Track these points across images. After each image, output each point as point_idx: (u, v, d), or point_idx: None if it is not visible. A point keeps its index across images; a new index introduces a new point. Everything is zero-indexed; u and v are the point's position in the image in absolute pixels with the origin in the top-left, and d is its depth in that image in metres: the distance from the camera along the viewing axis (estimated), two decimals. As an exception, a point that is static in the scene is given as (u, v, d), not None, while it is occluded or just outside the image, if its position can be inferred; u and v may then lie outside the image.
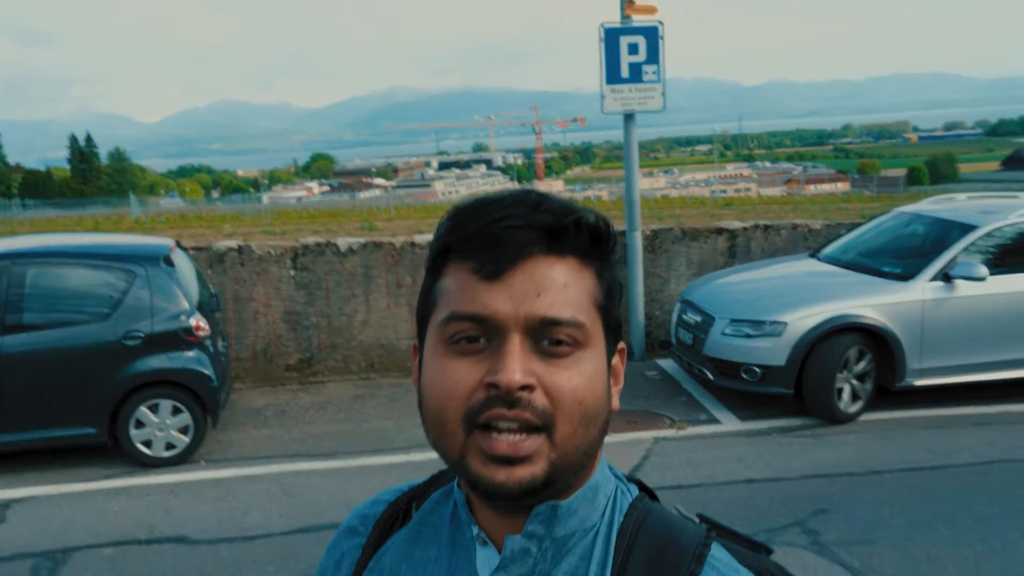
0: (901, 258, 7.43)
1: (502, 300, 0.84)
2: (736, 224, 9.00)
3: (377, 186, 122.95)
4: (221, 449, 6.65)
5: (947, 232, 7.34)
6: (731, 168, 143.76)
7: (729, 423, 6.93)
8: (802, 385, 6.73)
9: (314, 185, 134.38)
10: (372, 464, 6.27)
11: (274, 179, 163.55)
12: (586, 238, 0.88)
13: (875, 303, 6.79)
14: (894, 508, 5.24)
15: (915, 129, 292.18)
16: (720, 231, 8.87)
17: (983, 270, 6.80)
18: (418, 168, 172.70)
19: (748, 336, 6.83)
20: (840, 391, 6.74)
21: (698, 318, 7.31)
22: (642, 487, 1.01)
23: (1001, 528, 4.94)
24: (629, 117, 8.20)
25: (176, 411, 6.33)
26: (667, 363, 8.52)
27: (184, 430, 6.36)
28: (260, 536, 5.11)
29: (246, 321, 8.04)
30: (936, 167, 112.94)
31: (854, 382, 6.79)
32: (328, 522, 5.25)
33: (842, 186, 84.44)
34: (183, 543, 5.05)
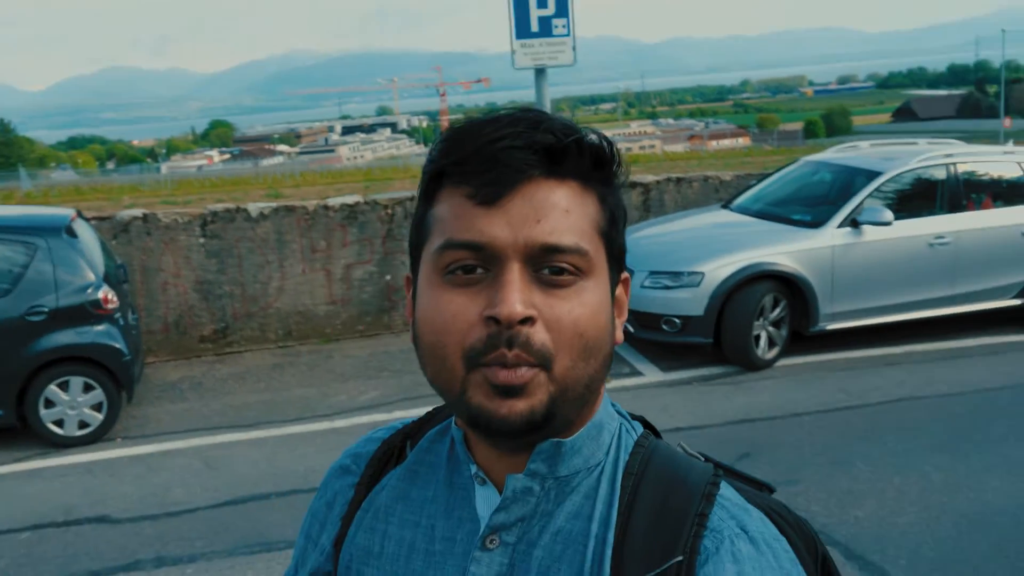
0: (810, 206, 7.61)
1: (500, 226, 0.79)
2: (649, 178, 9.07)
3: (280, 153, 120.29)
4: (138, 425, 6.44)
5: (853, 179, 7.54)
6: (635, 126, 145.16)
7: (652, 375, 7.02)
8: (721, 334, 6.86)
9: (214, 153, 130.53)
10: (297, 432, 6.15)
11: (172, 148, 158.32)
12: (588, 160, 0.83)
13: (788, 250, 6.94)
14: (815, 448, 5.40)
15: (810, 83, 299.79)
16: (633, 185, 8.93)
17: (889, 215, 7.01)
18: (322, 133, 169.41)
19: (667, 287, 6.91)
20: (757, 338, 6.90)
21: (617, 272, 7.36)
22: (646, 424, 0.98)
23: (916, 462, 5.15)
24: (540, 72, 8.12)
25: (88, 388, 6.10)
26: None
27: (97, 407, 6.13)
28: (185, 511, 4.98)
29: (155, 292, 7.77)
30: (831, 120, 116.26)
31: (770, 329, 6.96)
32: (256, 493, 5.15)
33: (743, 141, 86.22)
34: (104, 523, 4.88)
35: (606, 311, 0.84)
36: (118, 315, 6.21)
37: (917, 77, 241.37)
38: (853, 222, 7.08)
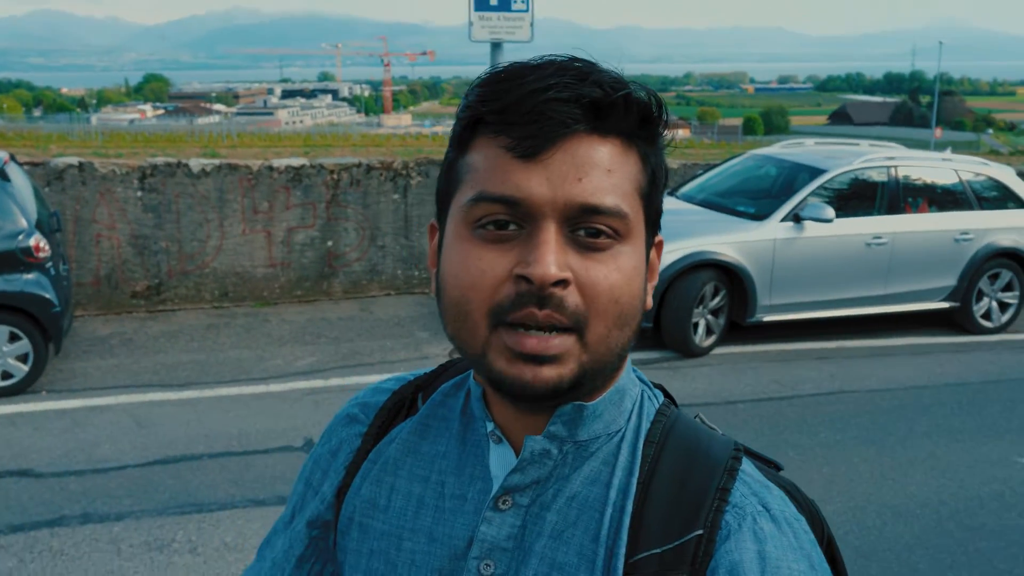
0: (755, 199, 7.72)
1: (538, 182, 0.76)
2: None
3: (217, 112, 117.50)
4: (64, 379, 6.25)
5: (797, 175, 7.67)
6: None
7: (589, 355, 7.06)
8: (661, 319, 6.93)
9: (148, 108, 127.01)
10: (230, 395, 6.04)
11: (103, 99, 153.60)
12: (635, 117, 0.79)
13: (731, 241, 7.04)
14: (747, 435, 5.50)
15: (752, 80, 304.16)
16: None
17: (830, 212, 7.15)
18: (260, 95, 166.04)
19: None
20: (696, 325, 6.99)
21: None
22: (666, 394, 0.96)
23: (845, 454, 5.28)
24: (496, 47, 8.07)
25: (14, 338, 5.89)
26: (527, 296, 8.60)
27: (23, 358, 5.93)
28: (112, 468, 4.85)
29: (88, 244, 7.53)
30: (770, 118, 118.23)
31: (709, 317, 7.06)
32: (187, 454, 5.04)
33: (683, 132, 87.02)
34: (27, 476, 4.73)
35: (641, 277, 0.82)
36: (49, 264, 6.01)
37: (854, 82, 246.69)
38: (795, 217, 7.20)
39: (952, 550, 4.22)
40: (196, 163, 7.68)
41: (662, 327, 6.94)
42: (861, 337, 7.69)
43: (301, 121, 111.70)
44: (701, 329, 7.02)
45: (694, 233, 7.04)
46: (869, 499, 4.70)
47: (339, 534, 0.94)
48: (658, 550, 0.80)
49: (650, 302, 0.86)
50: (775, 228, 7.17)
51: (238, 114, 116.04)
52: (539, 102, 0.75)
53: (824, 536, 0.94)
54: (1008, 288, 8.04)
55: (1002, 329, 8.05)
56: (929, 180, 7.95)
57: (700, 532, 0.80)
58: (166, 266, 7.75)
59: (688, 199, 8.07)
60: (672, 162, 9.55)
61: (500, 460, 0.88)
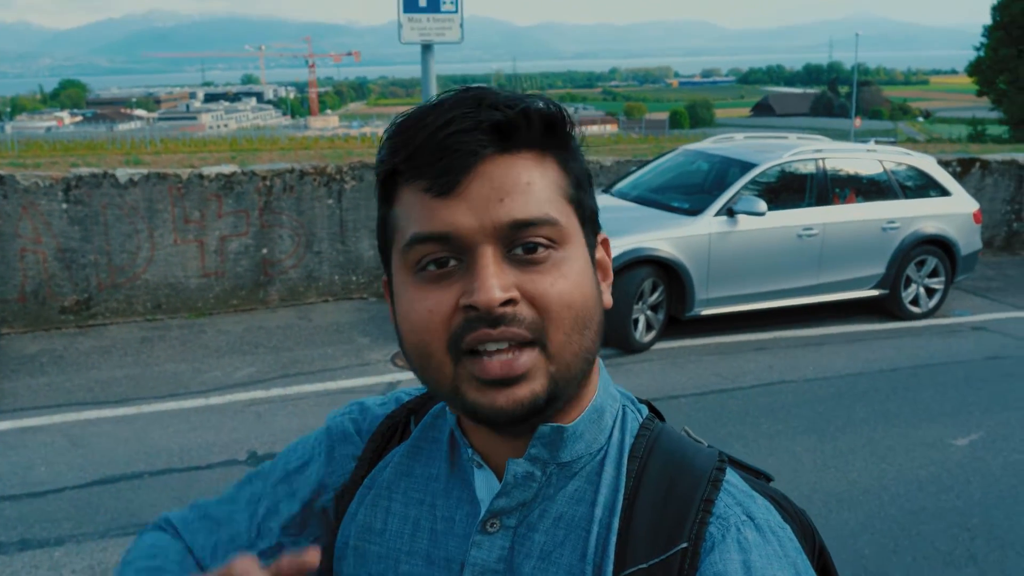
0: (688, 194, 7.82)
1: (462, 213, 0.77)
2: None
3: (138, 118, 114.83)
4: (-8, 400, 6.04)
5: (729, 169, 7.79)
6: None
7: (532, 355, 7.07)
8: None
9: (65, 115, 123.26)
10: (169, 409, 5.90)
11: (17, 107, 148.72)
12: (539, 127, 0.81)
13: (668, 237, 7.11)
14: (692, 429, 5.54)
15: (676, 74, 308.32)
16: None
17: (763, 205, 7.28)
18: (183, 100, 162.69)
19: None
20: (636, 321, 7.05)
21: (501, 252, 7.37)
22: (651, 408, 0.97)
23: (787, 443, 5.38)
24: (427, 48, 8.03)
25: (-63, 360, 5.67)
26: (467, 298, 8.58)
27: (-53, 381, 5.71)
28: (51, 491, 4.70)
29: (11, 260, 7.28)
30: (695, 112, 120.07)
31: (648, 313, 7.13)
32: (127, 473, 4.91)
33: (610, 127, 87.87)
34: (-41, 504, 4.55)
35: (589, 278, 0.82)
36: (-27, 282, 5.79)
37: (775, 74, 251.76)
38: (729, 211, 7.31)
39: (895, 534, 4.33)
40: (123, 173, 7.48)
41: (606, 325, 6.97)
42: (796, 327, 7.85)
43: (226, 125, 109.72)
44: (641, 325, 7.08)
45: (631, 230, 7.10)
46: (814, 488, 4.80)
47: (335, 560, 0.94)
48: (644, 565, 0.80)
49: (609, 300, 0.87)
50: (709, 223, 7.27)
51: (160, 119, 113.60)
52: (443, 138, 0.77)
53: (816, 546, 0.95)
54: (934, 274, 8.28)
55: (930, 314, 8.29)
56: (855, 171, 8.15)
57: (685, 545, 0.80)
58: (95, 280, 7.53)
59: (623, 196, 8.14)
60: (605, 159, 9.62)
61: (485, 484, 0.89)
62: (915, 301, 8.26)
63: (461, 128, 0.77)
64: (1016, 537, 4.33)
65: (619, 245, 6.90)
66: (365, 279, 8.52)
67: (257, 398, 6.10)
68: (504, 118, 0.78)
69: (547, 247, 0.79)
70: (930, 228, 8.14)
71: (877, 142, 9.60)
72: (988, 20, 38.38)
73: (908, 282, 8.19)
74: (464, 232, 0.77)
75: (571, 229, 0.81)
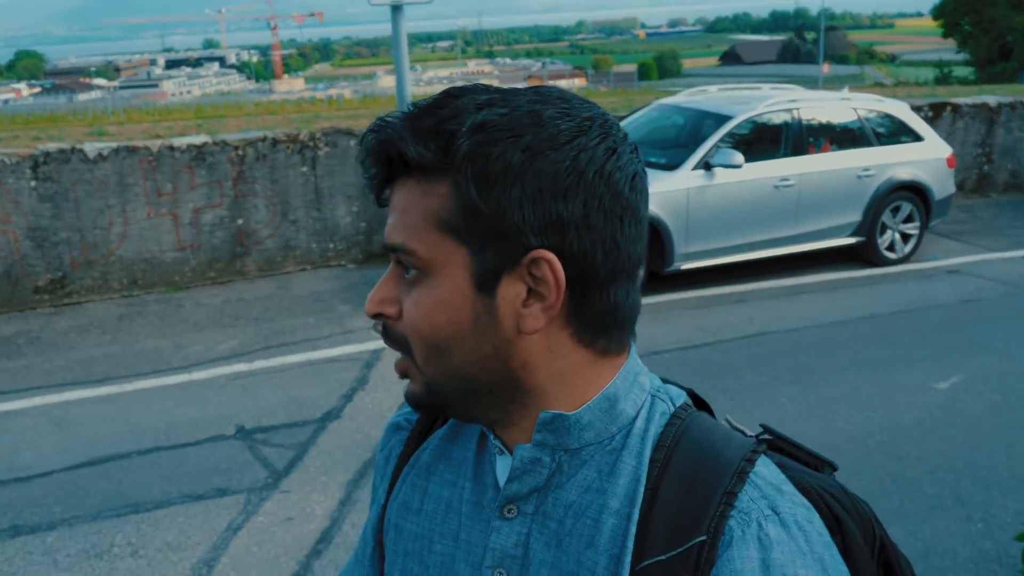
0: (665, 148, 7.80)
1: (388, 224, 0.86)
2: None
3: (98, 87, 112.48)
4: (-29, 385, 5.97)
5: (704, 122, 7.77)
6: (473, 65, 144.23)
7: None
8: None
9: (22, 87, 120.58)
10: (151, 387, 5.86)
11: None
12: (429, 153, 0.79)
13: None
14: (676, 383, 5.60)
15: (643, 25, 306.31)
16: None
17: (739, 158, 7.27)
18: (143, 67, 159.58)
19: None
20: (616, 278, 7.04)
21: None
22: (694, 397, 0.95)
23: (771, 394, 5.44)
24: (397, 9, 7.91)
25: (-88, 347, 5.58)
26: (446, 261, 8.54)
27: (-76, 367, 5.63)
28: (37, 475, 4.67)
29: (-19, 241, 7.15)
30: (663, 63, 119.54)
31: (629, 269, 7.12)
32: (114, 453, 4.88)
33: (579, 82, 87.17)
34: (-54, 492, 4.51)
35: (451, 308, 0.81)
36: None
37: (742, 22, 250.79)
38: (706, 165, 7.31)
39: (882, 480, 4.40)
40: (92, 147, 7.34)
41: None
42: (774, 278, 7.90)
43: (189, 92, 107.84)
44: (622, 282, 7.08)
45: (609, 187, 7.06)
46: (800, 438, 4.77)
47: (384, 535, 1.00)
48: (663, 557, 0.79)
49: (529, 324, 0.81)
50: (687, 177, 7.27)
51: (121, 88, 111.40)
52: (361, 162, 0.86)
53: (876, 539, 0.91)
54: (909, 220, 8.34)
55: (905, 259, 8.37)
56: (830, 120, 8.15)
57: (703, 538, 0.78)
58: (68, 257, 7.42)
59: (600, 153, 8.10)
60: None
61: (505, 470, 0.90)
62: (891, 247, 8.32)
63: (367, 158, 0.84)
64: (999, 478, 4.41)
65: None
66: (343, 246, 8.46)
67: (241, 371, 6.06)
68: (382, 153, 0.83)
69: (417, 271, 0.83)
70: (904, 174, 8.18)
71: (850, 88, 9.59)
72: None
73: (884, 228, 8.24)
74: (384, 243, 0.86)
75: (438, 258, 0.81)
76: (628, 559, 0.81)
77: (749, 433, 0.91)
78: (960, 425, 4.99)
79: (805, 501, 0.83)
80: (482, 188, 0.78)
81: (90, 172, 7.32)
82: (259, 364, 6.18)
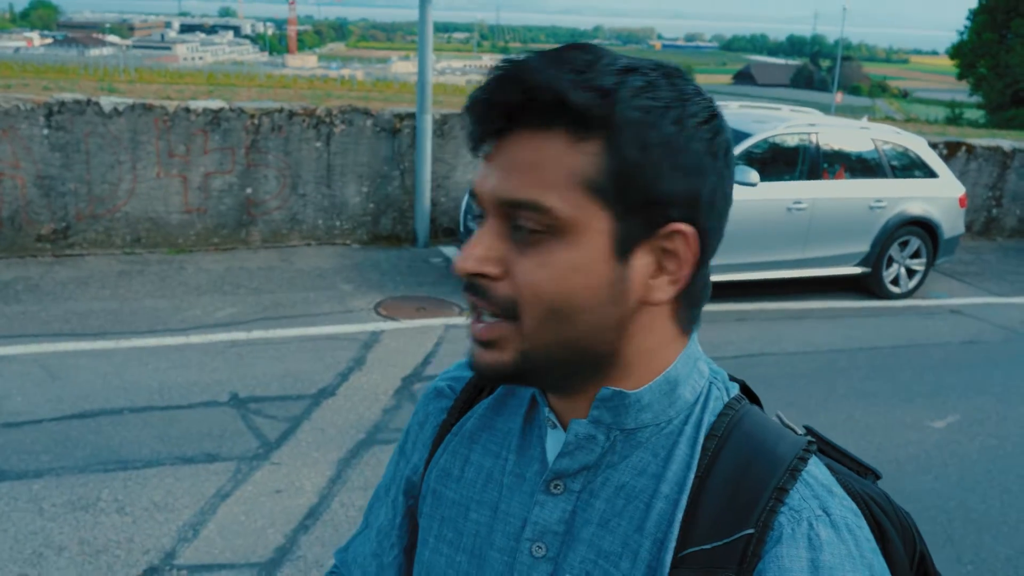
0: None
1: (485, 178, 0.81)
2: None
3: (110, 44, 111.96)
4: (-34, 326, 5.91)
5: (723, 138, 7.74)
6: (487, 59, 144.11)
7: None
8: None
9: (35, 36, 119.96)
10: (148, 346, 5.82)
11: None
12: (576, 108, 0.76)
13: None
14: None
15: (659, 36, 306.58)
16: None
17: (755, 176, 7.25)
18: (157, 28, 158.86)
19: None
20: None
21: (490, 207, 7.29)
22: (745, 390, 0.94)
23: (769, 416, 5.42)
24: (427, -7, 7.88)
25: (-89, 282, 5.52)
26: (451, 250, 8.51)
27: (-79, 304, 5.57)
28: (27, 422, 4.62)
29: (-12, 183, 7.09)
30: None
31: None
32: (106, 408, 4.84)
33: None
34: (-66, 431, 4.47)
35: (586, 273, 0.78)
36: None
37: (758, 43, 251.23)
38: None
39: (874, 510, 4.38)
40: (108, 101, 7.28)
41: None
42: (778, 299, 7.89)
43: (201, 58, 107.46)
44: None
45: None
46: (794, 460, 4.84)
47: (420, 500, 1.00)
48: (707, 546, 0.79)
49: (658, 296, 0.82)
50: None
51: (134, 47, 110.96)
52: (474, 106, 0.80)
53: (916, 551, 0.92)
54: (916, 255, 8.34)
55: (908, 295, 8.37)
56: (847, 147, 8.14)
57: (751, 531, 0.78)
58: (74, 209, 7.37)
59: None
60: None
61: (555, 444, 0.89)
62: (895, 281, 8.32)
63: (492, 99, 0.78)
64: (991, 521, 4.40)
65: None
66: (349, 225, 8.42)
67: (238, 339, 6.02)
68: (526, 100, 0.76)
69: (540, 232, 0.78)
70: (916, 209, 8.18)
71: (869, 119, 9.59)
72: (973, 3, 38.44)
73: (890, 262, 8.24)
74: (480, 197, 0.81)
75: (579, 220, 0.77)
76: (672, 545, 0.80)
77: (799, 432, 0.90)
78: (954, 465, 4.98)
79: (854, 505, 0.83)
80: (641, 154, 0.77)
81: (104, 126, 7.27)
82: (257, 334, 6.14)
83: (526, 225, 0.78)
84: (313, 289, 7.18)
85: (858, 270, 8.12)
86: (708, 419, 0.85)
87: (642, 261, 0.80)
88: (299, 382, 5.41)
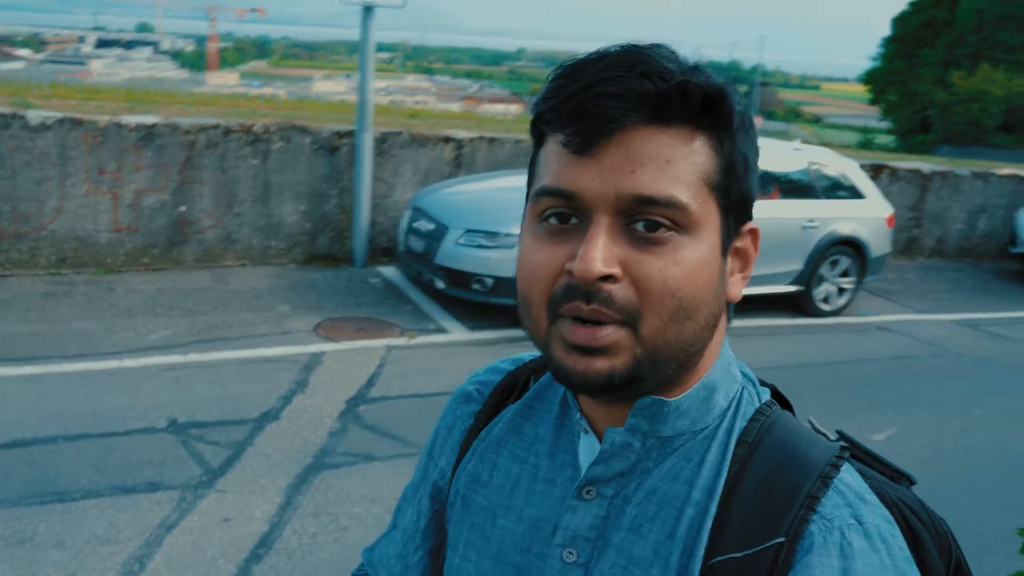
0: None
1: (591, 176, 0.76)
2: (463, 134, 8.98)
3: (21, 58, 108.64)
4: None
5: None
6: (411, 79, 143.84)
7: (458, 332, 7.00)
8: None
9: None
10: (78, 370, 5.59)
11: None
12: (694, 105, 0.77)
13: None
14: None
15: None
16: (447, 139, 8.80)
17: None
18: (71, 43, 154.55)
19: (482, 247, 6.90)
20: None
21: (431, 226, 7.24)
22: (776, 395, 0.94)
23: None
24: (368, 10, 7.80)
25: None
26: (389, 271, 8.41)
27: None
28: (-47, 453, 4.39)
29: (-97, 200, 6.75)
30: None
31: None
32: (39, 436, 4.63)
33: (516, 107, 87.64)
34: None
35: (708, 269, 0.79)
36: None
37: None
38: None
39: (825, 526, 4.44)
40: (35, 115, 7.02)
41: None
42: (716, 318, 7.98)
43: (117, 73, 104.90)
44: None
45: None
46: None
47: (448, 505, 0.99)
48: (737, 555, 0.78)
49: (736, 293, 0.85)
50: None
51: (46, 62, 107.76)
52: (587, 98, 0.75)
53: (952, 559, 0.91)
54: (845, 274, 8.56)
55: (837, 312, 8.58)
56: (781, 168, 8.32)
57: (781, 540, 0.77)
58: (-3, 227, 7.06)
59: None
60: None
61: (588, 450, 0.88)
62: (825, 299, 8.52)
63: (606, 91, 0.75)
64: (935, 533, 4.50)
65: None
66: (286, 245, 8.26)
67: (174, 363, 5.83)
68: (654, 89, 0.75)
69: (670, 229, 0.76)
70: (845, 229, 8.39)
71: (803, 142, 9.83)
72: (884, 32, 39.93)
73: (821, 280, 8.43)
74: (587, 195, 0.76)
75: (703, 216, 0.78)
76: (701, 552, 0.79)
77: (832, 438, 0.89)
78: (896, 478, 5.08)
79: (887, 513, 0.81)
80: (743, 153, 0.80)
81: (31, 140, 7.00)
82: (193, 357, 5.95)
83: (659, 222, 0.76)
84: (250, 310, 7.01)
85: (792, 288, 8.28)
86: (740, 424, 0.85)
87: (732, 257, 0.84)
88: (240, 406, 5.26)
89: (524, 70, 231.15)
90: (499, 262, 6.83)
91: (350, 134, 8.19)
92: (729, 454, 0.83)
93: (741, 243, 0.85)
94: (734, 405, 0.86)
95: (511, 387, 1.00)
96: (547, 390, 0.96)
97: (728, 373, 0.87)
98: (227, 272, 7.92)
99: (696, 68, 0.78)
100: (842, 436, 0.92)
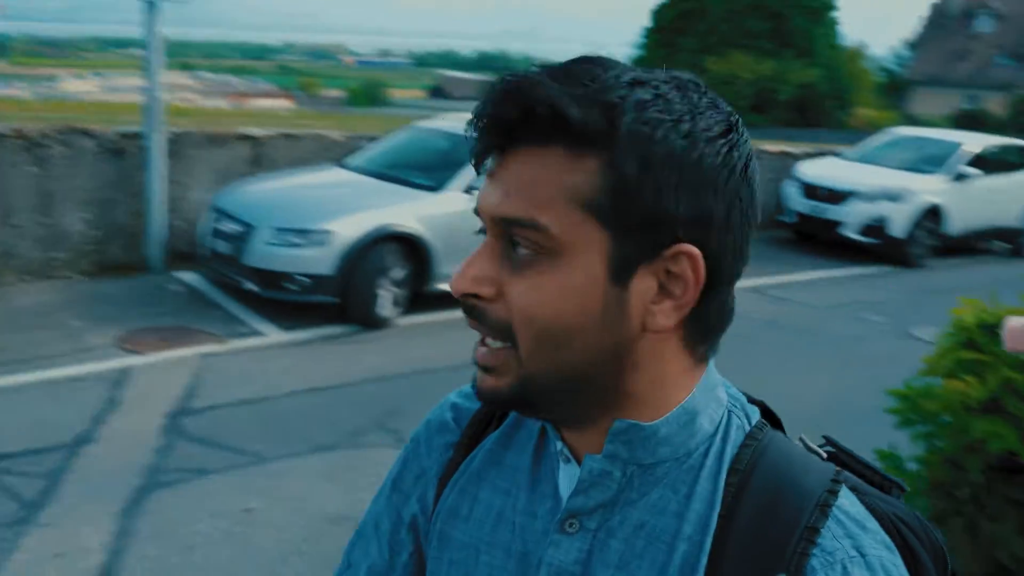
0: (428, 170, 7.84)
1: (487, 195, 0.78)
2: (260, 132, 8.66)
3: None
4: None
5: (466, 147, 7.92)
6: (171, 76, 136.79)
7: (273, 334, 6.78)
8: (346, 293, 6.81)
9: None
10: None
11: None
12: (574, 124, 0.72)
13: (412, 212, 7.11)
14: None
15: (352, 52, 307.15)
16: (244, 137, 8.46)
17: (501, 184, 7.47)
18: None
19: (295, 245, 6.71)
20: (379, 297, 6.97)
21: (237, 227, 6.95)
22: (766, 413, 0.89)
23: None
24: (152, 5, 7.37)
25: None
26: (191, 276, 7.99)
27: None
28: None
29: None
30: (371, 91, 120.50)
31: (394, 288, 7.08)
32: None
33: (286, 103, 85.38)
34: None
35: (581, 295, 0.75)
36: None
37: (450, 59, 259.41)
38: (470, 189, 7.45)
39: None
40: None
41: (348, 301, 6.83)
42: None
43: None
44: (387, 301, 7.01)
45: (375, 205, 7.08)
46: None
47: (426, 542, 0.95)
48: None
49: (659, 322, 0.77)
50: (452, 199, 7.36)
51: None
52: (475, 121, 0.77)
53: (947, 571, 0.89)
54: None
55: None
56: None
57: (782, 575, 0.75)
58: None
59: (363, 171, 7.99)
60: (335, 134, 9.38)
61: (569, 479, 0.85)
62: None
63: (489, 114, 0.75)
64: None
65: (365, 220, 6.83)
66: (71, 256, 7.66)
67: (-37, 392, 5.30)
68: (520, 116, 0.73)
69: (534, 252, 0.75)
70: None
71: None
72: (645, 21, 42.00)
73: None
74: (483, 213, 0.78)
75: (574, 240, 0.74)
76: None
77: (824, 456, 0.88)
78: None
79: (888, 540, 0.80)
80: (643, 170, 0.73)
81: None
82: (-14, 383, 5.43)
83: (521, 244, 0.75)
84: (39, 328, 6.47)
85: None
86: (730, 451, 0.82)
87: (643, 284, 0.76)
88: (48, 432, 4.85)
89: (292, 64, 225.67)
90: (314, 260, 6.67)
91: (137, 136, 7.70)
92: (721, 484, 0.80)
93: (675, 267, 0.76)
94: (721, 429, 0.83)
95: (489, 416, 0.95)
96: (526, 418, 0.92)
97: (712, 396, 0.83)
98: (8, 290, 7.24)
99: (593, 83, 0.73)
100: (828, 441, 0.92)
